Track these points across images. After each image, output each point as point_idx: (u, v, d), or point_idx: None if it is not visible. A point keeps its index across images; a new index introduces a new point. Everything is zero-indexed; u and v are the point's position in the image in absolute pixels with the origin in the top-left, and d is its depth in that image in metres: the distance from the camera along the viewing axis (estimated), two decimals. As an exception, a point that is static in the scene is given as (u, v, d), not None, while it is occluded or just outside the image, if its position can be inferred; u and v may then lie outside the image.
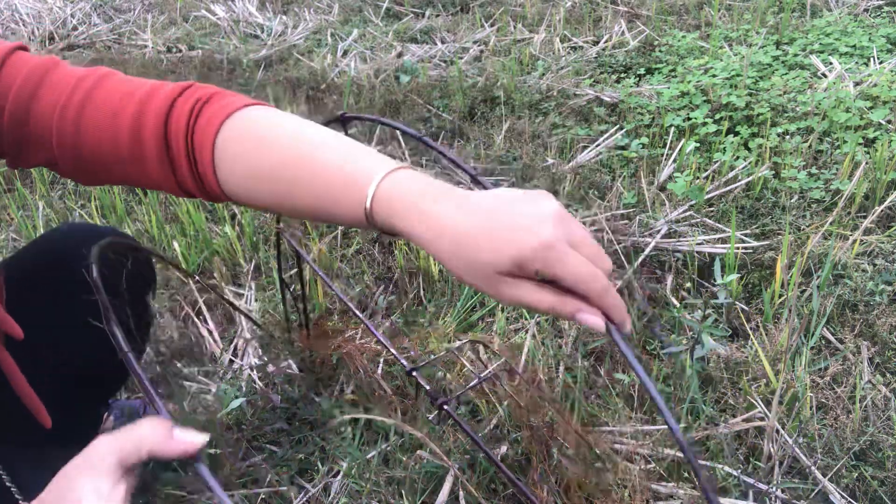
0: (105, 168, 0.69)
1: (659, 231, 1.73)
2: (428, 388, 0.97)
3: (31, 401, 0.83)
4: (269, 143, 0.63)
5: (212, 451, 1.28)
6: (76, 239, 0.99)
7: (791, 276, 1.52)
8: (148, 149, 0.66)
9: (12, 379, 0.81)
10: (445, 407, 0.94)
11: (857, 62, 2.46)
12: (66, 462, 0.51)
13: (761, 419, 1.26)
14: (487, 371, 1.31)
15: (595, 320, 0.55)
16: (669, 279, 1.62)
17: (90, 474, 0.50)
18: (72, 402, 0.99)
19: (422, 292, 1.64)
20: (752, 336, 1.42)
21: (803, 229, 1.74)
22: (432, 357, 1.37)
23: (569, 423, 1.10)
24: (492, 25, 3.15)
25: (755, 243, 1.68)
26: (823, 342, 1.44)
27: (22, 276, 0.93)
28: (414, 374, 0.99)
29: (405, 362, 1.01)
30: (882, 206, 1.72)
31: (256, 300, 1.67)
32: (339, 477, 1.22)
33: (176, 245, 1.78)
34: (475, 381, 1.06)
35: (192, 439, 0.52)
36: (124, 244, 0.95)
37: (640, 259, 1.65)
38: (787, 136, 2.09)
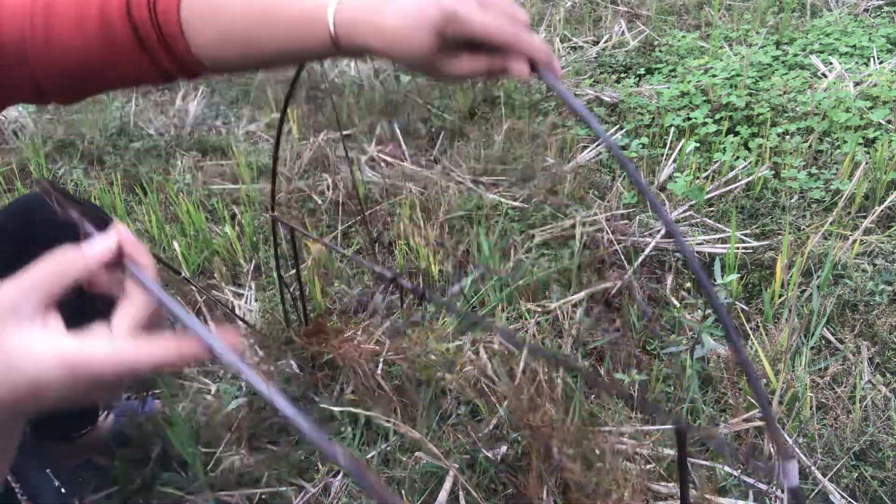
0: (84, 77, 0.72)
1: (659, 231, 1.73)
2: (410, 286, 0.95)
3: None
4: (228, 2, 0.66)
5: (213, 451, 1.28)
6: (35, 208, 0.99)
7: (791, 276, 1.51)
8: (121, 48, 0.69)
9: None
10: (427, 297, 0.94)
11: (857, 62, 2.45)
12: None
13: (761, 419, 1.25)
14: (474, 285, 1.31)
15: (518, 67, 0.59)
16: (669, 279, 1.62)
17: (15, 322, 0.44)
18: None
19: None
20: (752, 336, 1.42)
21: (803, 229, 1.74)
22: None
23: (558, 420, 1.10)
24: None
25: (755, 243, 1.68)
26: (823, 342, 1.44)
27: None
28: (397, 279, 0.98)
29: (386, 272, 0.99)
30: (882, 206, 1.72)
31: (256, 300, 1.67)
32: (339, 477, 1.22)
33: (176, 245, 1.78)
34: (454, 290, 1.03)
35: (107, 241, 0.48)
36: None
37: (640, 259, 1.65)
38: (787, 136, 2.09)
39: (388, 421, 1.27)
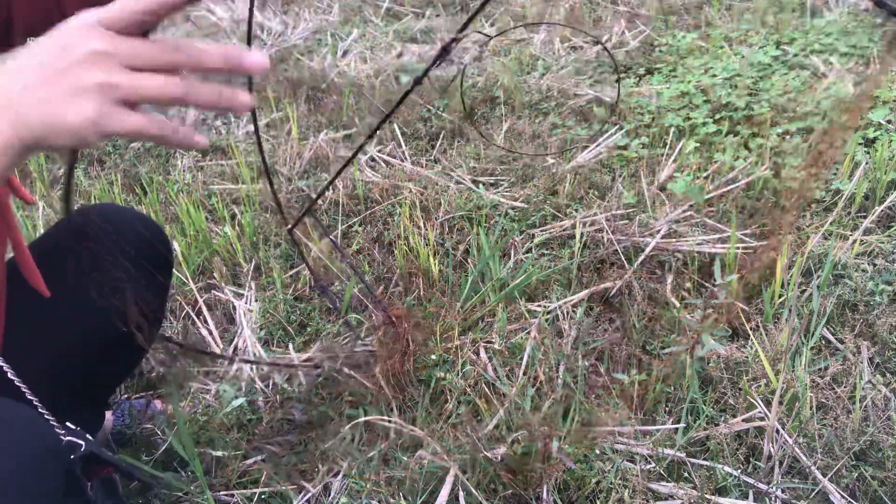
0: None
1: (659, 231, 1.73)
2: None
3: (31, 272, 0.87)
4: None
5: (218, 453, 1.28)
6: (98, 216, 1.05)
7: (791, 276, 1.51)
8: None
9: (17, 251, 0.86)
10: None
11: (857, 62, 2.45)
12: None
13: (761, 419, 1.25)
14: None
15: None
16: (669, 279, 1.62)
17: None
18: (86, 377, 1.00)
19: (422, 293, 1.64)
20: (752, 336, 1.42)
21: (803, 229, 1.74)
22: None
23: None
24: (492, 25, 3.15)
25: (755, 243, 1.68)
26: (823, 342, 1.44)
27: (46, 253, 0.97)
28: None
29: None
30: (882, 206, 1.72)
31: (257, 300, 1.67)
32: (340, 477, 1.22)
33: (176, 245, 1.78)
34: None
35: None
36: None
37: (640, 259, 1.65)
38: (787, 137, 2.08)
39: (389, 421, 1.27)
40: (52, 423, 0.77)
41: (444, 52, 0.79)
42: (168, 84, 0.51)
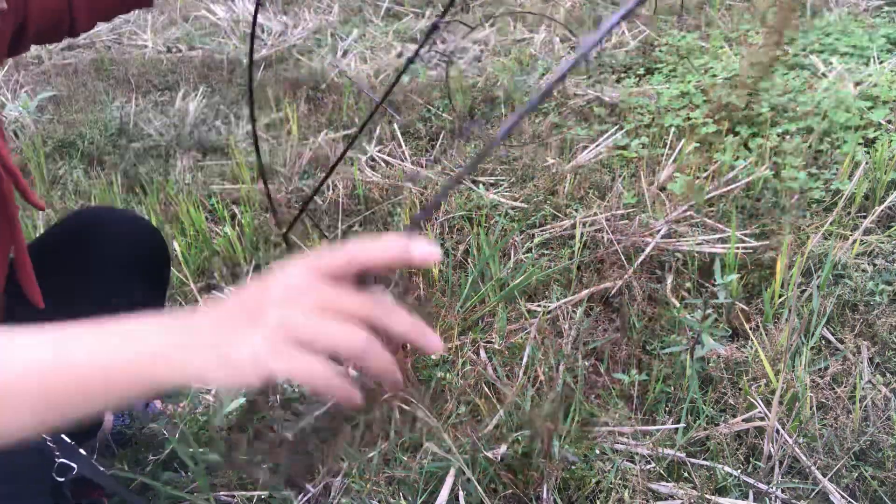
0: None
1: (659, 231, 1.73)
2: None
3: (29, 282, 0.89)
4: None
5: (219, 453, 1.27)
6: (94, 219, 1.06)
7: (791, 276, 1.51)
8: None
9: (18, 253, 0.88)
10: None
11: (857, 62, 2.45)
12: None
13: (761, 419, 1.25)
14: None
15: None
16: (669, 279, 1.62)
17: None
18: None
19: (422, 293, 1.64)
20: (752, 336, 1.42)
21: (803, 229, 1.74)
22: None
23: None
24: (492, 25, 3.15)
25: (755, 243, 1.68)
26: (823, 342, 1.44)
27: (43, 256, 0.97)
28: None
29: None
30: (882, 206, 1.72)
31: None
32: (340, 477, 1.22)
33: (176, 245, 1.78)
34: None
35: (429, 249, 0.46)
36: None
37: (640, 259, 1.65)
38: (787, 137, 2.08)
39: (389, 415, 1.27)
40: (47, 441, 0.76)
41: (434, 28, 0.80)
42: (352, 337, 0.45)
